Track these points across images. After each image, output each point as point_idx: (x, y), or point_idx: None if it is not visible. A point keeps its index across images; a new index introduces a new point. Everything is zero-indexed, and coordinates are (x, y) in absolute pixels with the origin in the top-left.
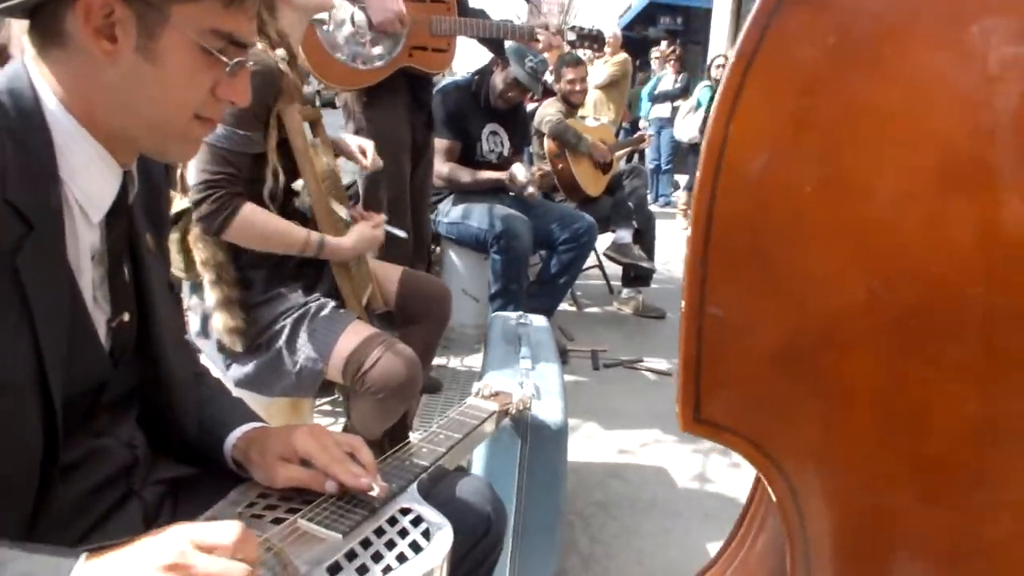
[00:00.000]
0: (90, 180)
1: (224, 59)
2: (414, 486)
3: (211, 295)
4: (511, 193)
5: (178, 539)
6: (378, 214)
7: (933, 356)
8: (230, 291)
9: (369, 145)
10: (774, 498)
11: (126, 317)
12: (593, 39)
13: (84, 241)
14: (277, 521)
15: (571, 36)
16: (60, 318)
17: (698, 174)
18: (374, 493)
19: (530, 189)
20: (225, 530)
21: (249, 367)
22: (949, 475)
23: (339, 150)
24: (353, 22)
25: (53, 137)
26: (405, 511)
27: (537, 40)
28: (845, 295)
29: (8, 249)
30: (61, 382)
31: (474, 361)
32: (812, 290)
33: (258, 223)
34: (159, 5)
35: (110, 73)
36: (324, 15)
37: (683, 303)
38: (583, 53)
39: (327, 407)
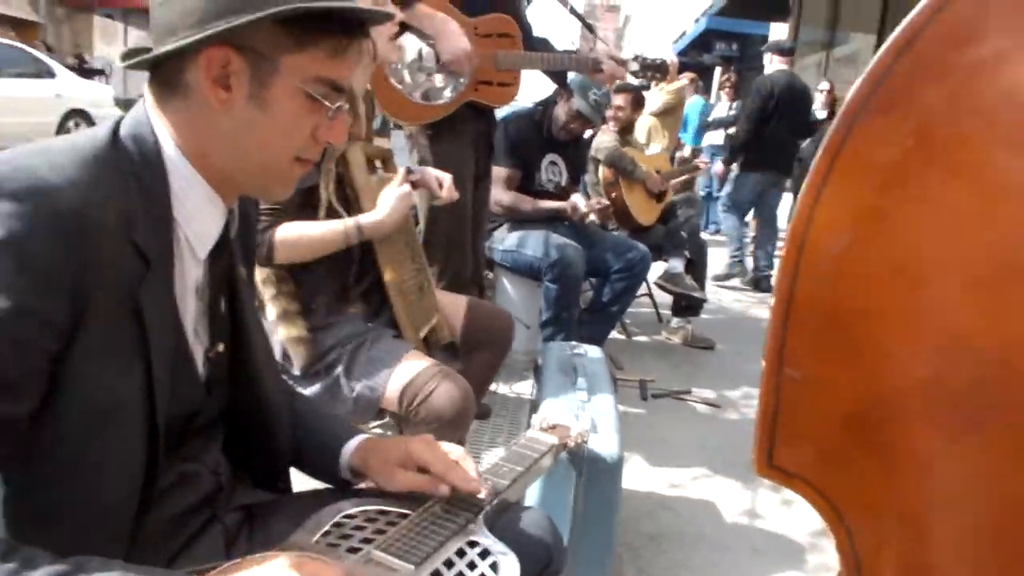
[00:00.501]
0: (200, 220)
1: (327, 104)
2: (481, 518)
3: (272, 310)
4: (566, 222)
5: (285, 570)
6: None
7: (990, 432)
8: (289, 304)
9: (447, 178)
10: (834, 542)
11: (221, 348)
12: (657, 68)
13: (190, 277)
14: (352, 550)
15: (635, 67)
16: (168, 349)
17: (782, 251)
18: (482, 495)
19: (591, 217)
20: (327, 569)
21: (308, 391)
22: (999, 544)
23: (419, 183)
24: (420, 57)
25: (170, 181)
26: (472, 543)
27: (601, 71)
28: (911, 370)
29: (131, 285)
30: (165, 409)
31: (523, 388)
32: (881, 364)
33: (293, 238)
34: (271, 56)
35: (223, 120)
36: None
37: (763, 361)
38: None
39: (378, 429)
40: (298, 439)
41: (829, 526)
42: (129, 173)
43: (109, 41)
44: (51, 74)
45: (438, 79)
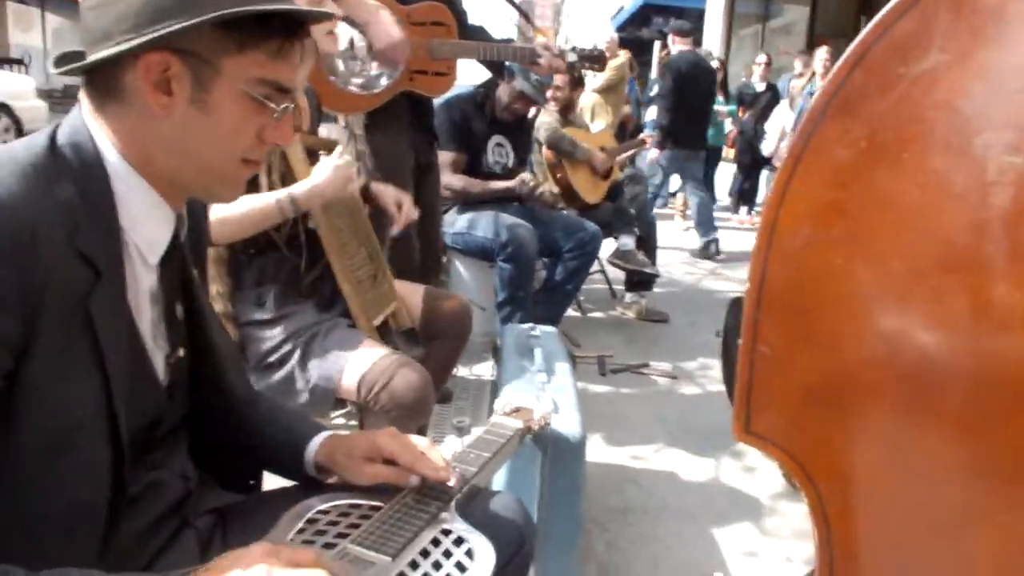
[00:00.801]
0: (148, 226)
1: (272, 105)
2: (453, 506)
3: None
4: (515, 203)
5: (263, 566)
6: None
7: (931, 405)
8: (227, 306)
9: (406, 199)
10: (807, 505)
11: (181, 352)
12: (595, 59)
13: (143, 283)
14: (328, 546)
15: (572, 57)
16: (124, 358)
17: (755, 244)
18: (452, 483)
19: (542, 188)
20: (304, 555)
21: (260, 385)
22: (947, 509)
23: (376, 199)
24: (352, 46)
25: (114, 188)
26: (447, 532)
27: (538, 63)
28: (865, 350)
29: (81, 295)
30: (126, 419)
31: (483, 370)
32: (840, 343)
33: (223, 215)
34: (211, 59)
35: (165, 124)
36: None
37: (740, 340)
38: (587, 75)
39: (340, 419)
40: (263, 438)
41: (802, 489)
42: (71, 182)
43: (25, 28)
44: None
45: (371, 68)
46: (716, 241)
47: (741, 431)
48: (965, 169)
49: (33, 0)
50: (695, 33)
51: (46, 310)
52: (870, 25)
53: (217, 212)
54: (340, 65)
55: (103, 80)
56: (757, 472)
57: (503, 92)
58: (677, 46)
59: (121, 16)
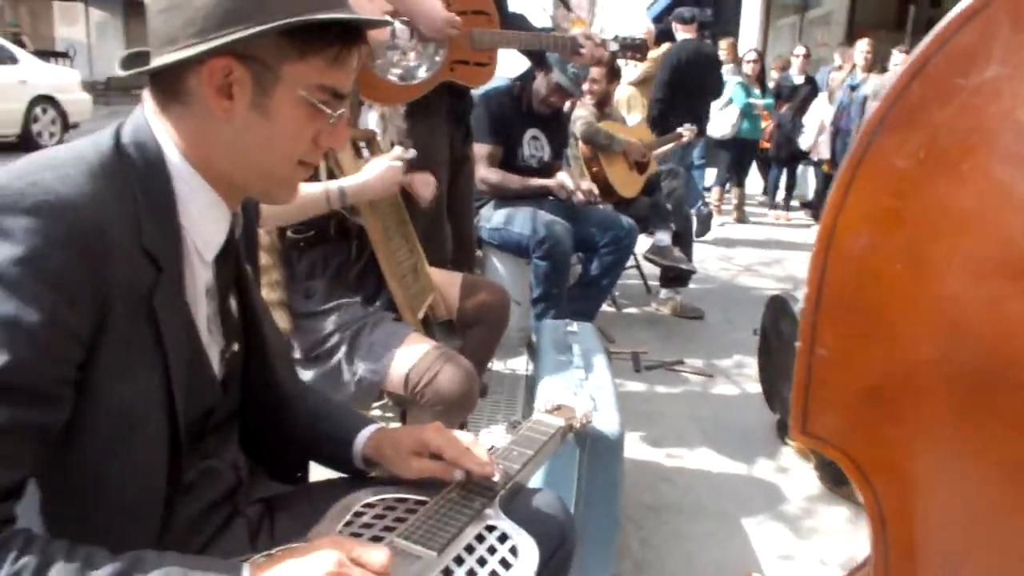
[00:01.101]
0: (206, 224)
1: (328, 111)
2: (496, 502)
3: (267, 296)
4: (552, 198)
5: (335, 554)
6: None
7: (985, 405)
8: (283, 295)
9: (431, 183)
10: (862, 502)
11: (236, 347)
12: (636, 48)
13: (200, 279)
14: (375, 539)
15: (614, 47)
16: (184, 351)
17: (814, 249)
18: (495, 479)
19: (579, 196)
20: (376, 553)
21: (308, 376)
22: (1000, 501)
23: (408, 186)
24: (394, 35)
25: (175, 187)
26: (491, 528)
27: (580, 53)
28: (924, 350)
29: (145, 291)
30: (184, 410)
31: (517, 364)
32: (895, 345)
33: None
34: (272, 65)
35: (226, 127)
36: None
37: (798, 342)
38: (624, 64)
39: (377, 411)
40: (311, 431)
41: (858, 487)
42: (135, 181)
43: (71, 22)
44: (13, 60)
45: (412, 58)
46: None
47: (798, 431)
48: (1022, 178)
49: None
50: (694, 22)
51: (114, 306)
52: (928, 37)
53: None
54: (380, 55)
55: (167, 82)
56: (792, 472)
57: (540, 85)
58: (680, 34)
59: (188, 21)
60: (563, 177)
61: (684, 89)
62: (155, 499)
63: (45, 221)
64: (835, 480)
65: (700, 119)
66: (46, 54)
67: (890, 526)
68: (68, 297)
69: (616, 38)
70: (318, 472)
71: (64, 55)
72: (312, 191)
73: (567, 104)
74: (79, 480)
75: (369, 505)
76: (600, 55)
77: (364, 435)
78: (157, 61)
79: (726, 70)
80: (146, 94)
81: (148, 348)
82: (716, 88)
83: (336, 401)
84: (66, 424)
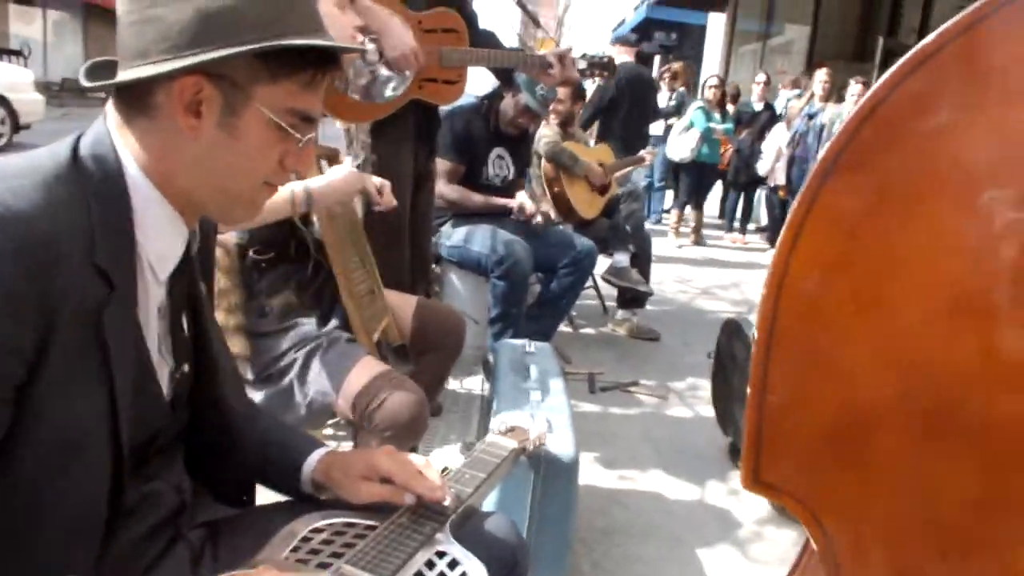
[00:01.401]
0: (161, 241)
1: (297, 135)
2: (448, 526)
3: (224, 321)
4: (512, 216)
5: None
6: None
7: (946, 443)
8: (242, 319)
9: (386, 186)
10: (815, 547)
11: (186, 367)
12: (604, 67)
13: (152, 297)
14: (322, 566)
15: (582, 64)
16: (131, 371)
17: (763, 291)
18: (446, 503)
19: (538, 219)
20: None
21: (259, 396)
22: (955, 538)
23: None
24: (363, 55)
25: (132, 201)
26: (441, 554)
27: (550, 73)
28: (879, 390)
29: (94, 308)
30: (128, 431)
31: (473, 383)
32: (853, 384)
33: None
34: (243, 86)
35: (191, 144)
36: None
37: (749, 388)
38: (591, 82)
39: (329, 430)
40: (260, 453)
41: (808, 529)
42: (91, 194)
43: (27, 20)
44: None
45: (380, 76)
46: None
47: (750, 481)
48: (972, 222)
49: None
50: (637, 45)
51: (61, 323)
52: (879, 82)
53: None
54: (349, 74)
55: (134, 96)
56: (743, 495)
57: (508, 105)
58: (622, 56)
59: (161, 36)
60: (523, 198)
61: (622, 109)
62: (95, 523)
63: None
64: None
65: (641, 136)
66: None
67: (843, 566)
68: (12, 313)
69: (584, 56)
70: (265, 495)
71: (18, 53)
72: (278, 195)
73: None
74: (15, 501)
75: (317, 530)
76: (572, 75)
77: (313, 458)
78: (126, 74)
79: (678, 93)
80: (109, 106)
81: (94, 367)
82: (652, 110)
83: (286, 423)
84: (1, 444)
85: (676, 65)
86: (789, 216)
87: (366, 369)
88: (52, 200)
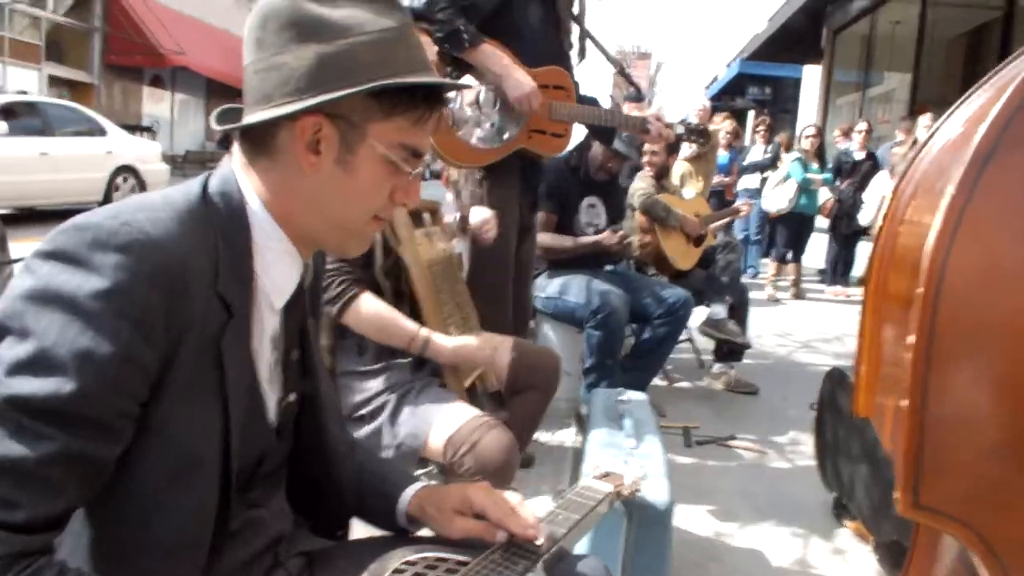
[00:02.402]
0: (279, 272)
1: (407, 169)
2: (540, 566)
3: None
4: (607, 267)
5: None
6: (493, 336)
7: None
8: (329, 360)
9: (492, 215)
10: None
11: (292, 398)
12: (700, 134)
13: (267, 326)
14: None
15: (680, 130)
16: (244, 397)
17: (919, 290)
18: (539, 542)
19: (631, 238)
20: None
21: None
22: None
23: (472, 228)
24: (479, 100)
25: (254, 236)
26: None
27: (647, 131)
28: None
29: (214, 334)
30: (238, 455)
31: (565, 436)
32: None
33: (371, 313)
34: (359, 123)
35: (310, 181)
36: (452, 93)
37: (906, 400)
38: (687, 147)
39: (423, 479)
40: (357, 485)
41: (983, 564)
42: (218, 228)
43: (157, 100)
44: (102, 132)
45: (494, 123)
46: None
47: (909, 505)
48: None
49: (167, 75)
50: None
51: (184, 346)
52: None
53: (365, 307)
54: (465, 118)
55: (258, 137)
56: (849, 555)
57: (597, 152)
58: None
59: (283, 80)
60: (610, 232)
61: None
62: (202, 543)
63: (133, 259)
64: (894, 563)
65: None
66: (132, 128)
67: None
68: (145, 334)
69: (682, 122)
70: (360, 530)
71: (148, 129)
72: (405, 327)
73: (625, 170)
74: (128, 518)
75: (409, 563)
76: (667, 135)
77: (409, 493)
78: (251, 118)
79: (773, 146)
80: (235, 148)
81: (211, 390)
82: None
83: (383, 458)
84: (121, 460)
85: (767, 118)
86: (943, 211)
87: (458, 414)
88: (184, 231)
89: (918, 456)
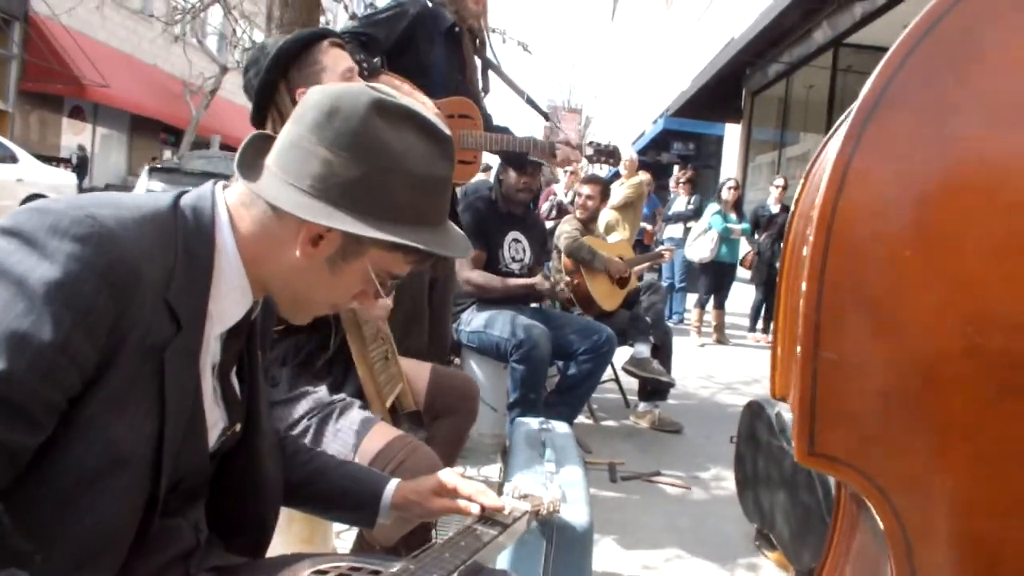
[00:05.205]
0: (229, 301)
1: (382, 290)
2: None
3: None
4: (532, 304)
5: None
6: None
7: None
8: None
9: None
10: (882, 527)
11: (238, 427)
12: (609, 154)
13: (210, 352)
14: None
15: (588, 151)
16: (183, 414)
17: (810, 238)
18: (507, 511)
19: (561, 286)
20: None
21: None
22: None
23: None
24: None
25: (215, 260)
26: None
27: (555, 156)
28: (944, 339)
29: (159, 344)
30: (170, 469)
31: (491, 471)
32: (915, 335)
33: None
34: (363, 245)
35: (295, 260)
36: None
37: (798, 348)
38: (599, 168)
39: None
40: (338, 486)
41: (877, 510)
42: (180, 239)
43: (78, 131)
44: (14, 159)
45: None
46: None
47: (805, 453)
48: None
49: (88, 108)
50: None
51: (125, 346)
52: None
53: None
54: None
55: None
56: None
57: (510, 177)
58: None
59: (321, 176)
60: (540, 277)
61: None
62: (119, 545)
63: (89, 251)
64: None
65: None
66: (49, 159)
67: (917, 545)
68: (87, 328)
69: (591, 143)
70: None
71: (67, 160)
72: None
73: (548, 207)
74: (47, 514)
75: (320, 572)
76: (575, 156)
77: (391, 487)
78: (276, 189)
79: (695, 198)
80: (238, 180)
81: (148, 396)
82: None
83: (350, 463)
84: (47, 452)
85: (690, 172)
86: (834, 155)
87: (381, 434)
88: (144, 234)
89: (812, 403)
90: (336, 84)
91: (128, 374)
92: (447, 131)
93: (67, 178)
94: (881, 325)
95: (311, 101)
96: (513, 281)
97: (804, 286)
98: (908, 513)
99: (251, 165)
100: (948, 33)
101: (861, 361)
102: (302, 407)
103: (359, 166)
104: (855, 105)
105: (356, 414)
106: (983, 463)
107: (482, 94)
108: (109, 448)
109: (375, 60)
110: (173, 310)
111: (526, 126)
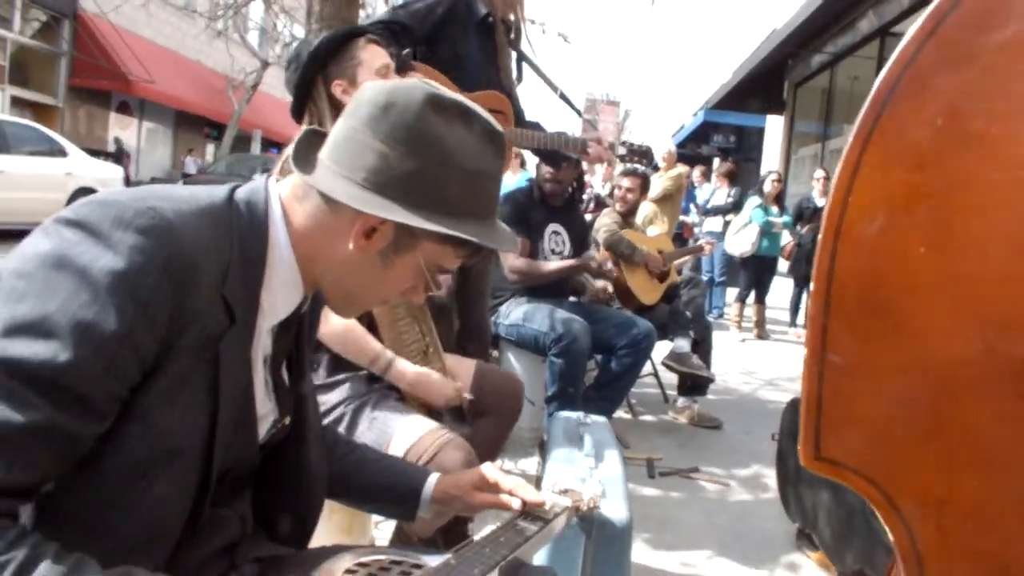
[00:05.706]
0: (281, 295)
1: (432, 284)
2: (495, 574)
3: None
4: (572, 298)
5: None
6: (461, 361)
7: None
8: None
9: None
10: (891, 539)
11: (287, 420)
12: (642, 154)
13: (262, 345)
14: None
15: (621, 151)
16: (235, 406)
17: (819, 238)
18: (548, 507)
19: (608, 265)
20: None
21: None
22: None
23: None
24: None
25: (268, 254)
26: None
27: (587, 153)
28: (960, 345)
29: (215, 336)
30: (220, 461)
31: (528, 464)
32: (928, 340)
33: (340, 326)
34: (416, 238)
35: (347, 253)
36: None
37: (806, 349)
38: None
39: None
40: (378, 481)
41: (885, 521)
42: (236, 234)
43: (125, 126)
44: (63, 153)
45: None
46: None
47: (810, 457)
48: None
49: (134, 104)
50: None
51: (183, 338)
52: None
53: (336, 320)
54: None
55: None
56: None
57: (543, 169)
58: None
59: (376, 169)
60: (588, 255)
61: None
62: (169, 535)
63: (152, 243)
64: None
65: None
66: (96, 152)
67: (928, 563)
68: (149, 319)
69: (624, 143)
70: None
71: (112, 154)
72: (371, 345)
73: (586, 200)
74: (100, 501)
75: (362, 564)
76: (607, 156)
77: (432, 481)
78: (331, 181)
79: (735, 191)
80: (294, 174)
81: (203, 388)
82: None
83: (390, 457)
84: (105, 442)
85: (731, 165)
86: (844, 154)
87: (415, 426)
88: (203, 228)
89: (818, 405)
90: (389, 80)
91: (183, 366)
92: (498, 127)
93: (114, 171)
94: (892, 328)
95: (365, 96)
96: (557, 264)
97: (812, 286)
98: (917, 523)
99: (305, 159)
100: (965, 21)
101: (870, 365)
102: (338, 393)
103: (414, 160)
104: (867, 99)
105: (392, 404)
106: (999, 473)
107: (515, 85)
108: (163, 439)
109: (406, 52)
110: (228, 304)
111: (558, 120)
